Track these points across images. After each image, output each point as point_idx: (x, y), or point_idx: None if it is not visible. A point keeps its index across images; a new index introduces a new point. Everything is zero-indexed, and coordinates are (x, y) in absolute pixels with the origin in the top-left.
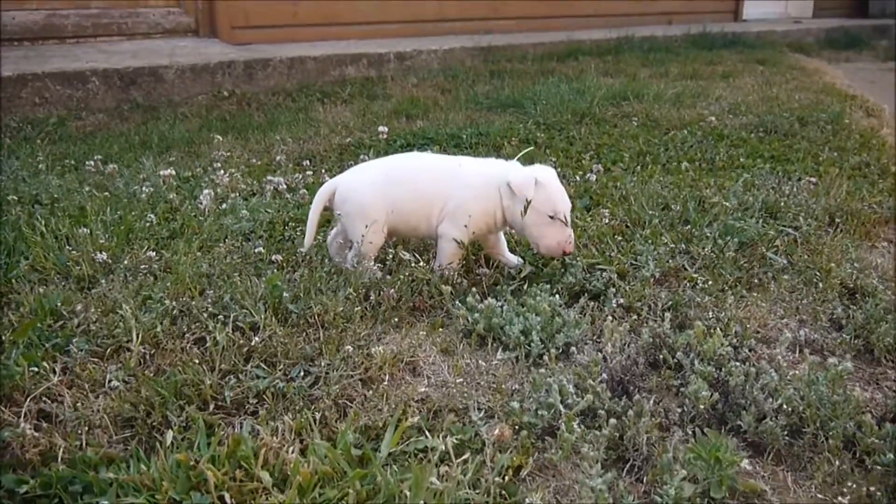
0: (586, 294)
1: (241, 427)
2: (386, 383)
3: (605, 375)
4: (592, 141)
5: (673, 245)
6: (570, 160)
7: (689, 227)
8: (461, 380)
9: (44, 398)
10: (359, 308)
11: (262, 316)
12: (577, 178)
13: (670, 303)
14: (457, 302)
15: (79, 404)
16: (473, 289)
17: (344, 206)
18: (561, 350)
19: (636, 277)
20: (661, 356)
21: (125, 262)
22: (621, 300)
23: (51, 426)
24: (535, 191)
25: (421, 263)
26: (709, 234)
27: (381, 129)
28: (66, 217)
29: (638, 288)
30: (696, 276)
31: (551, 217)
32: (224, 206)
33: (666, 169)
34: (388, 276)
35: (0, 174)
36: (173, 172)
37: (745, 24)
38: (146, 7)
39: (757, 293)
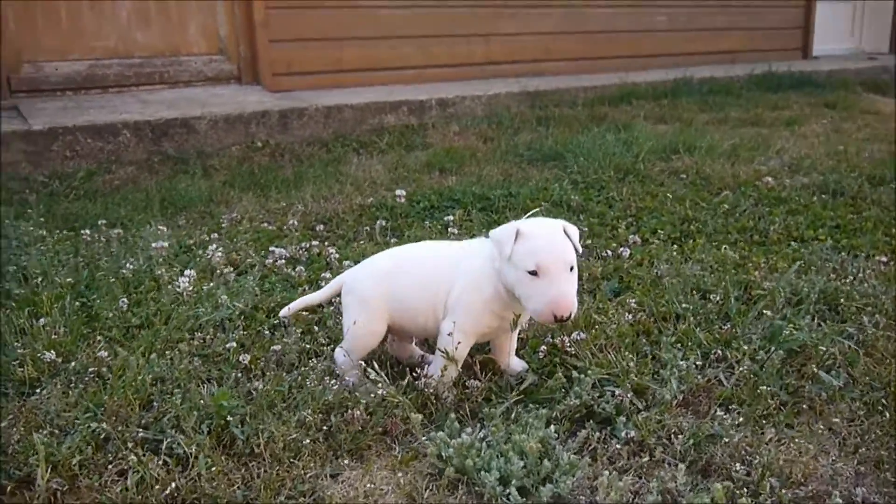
0: (592, 420)
1: None
2: None
3: None
4: (633, 204)
5: (707, 349)
6: (604, 228)
7: (729, 325)
8: None
9: None
10: (308, 440)
11: (198, 444)
12: (609, 252)
13: (692, 440)
14: (432, 432)
15: None
16: (452, 414)
17: (346, 297)
18: None
19: (656, 398)
20: None
21: (73, 363)
22: (632, 433)
23: None
24: (517, 243)
25: (389, 390)
26: (752, 335)
27: (398, 192)
28: (27, 304)
29: (656, 415)
30: (730, 393)
31: (533, 273)
32: (209, 286)
33: (712, 241)
34: (355, 394)
35: None
36: (166, 245)
37: (816, 61)
38: (188, 55)
39: (806, 422)
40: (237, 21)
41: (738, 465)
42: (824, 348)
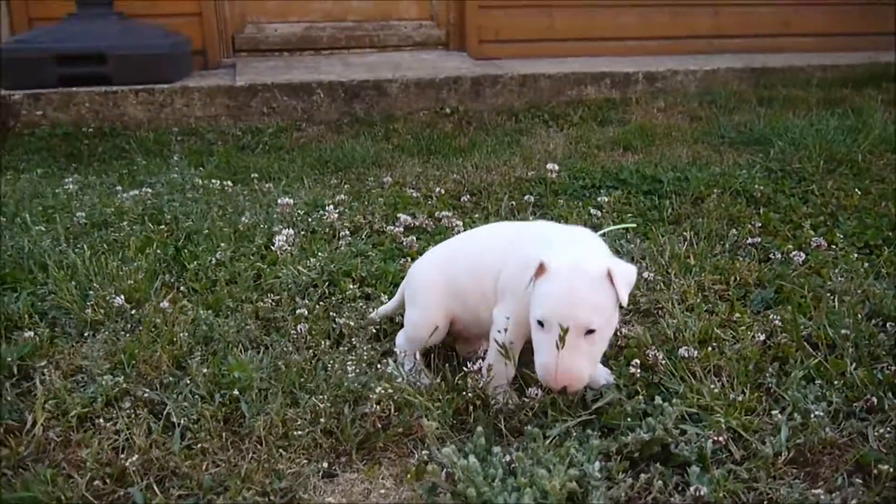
0: (663, 463)
1: None
2: None
3: None
4: (836, 200)
5: (858, 393)
6: (785, 225)
7: None
8: None
9: None
10: (304, 432)
11: (200, 415)
12: (779, 254)
13: None
14: (449, 446)
15: None
16: (480, 427)
17: (407, 287)
18: None
19: (759, 451)
20: None
21: (134, 311)
22: (703, 489)
23: None
24: (538, 281)
25: (402, 384)
26: None
27: (549, 166)
28: (121, 248)
29: (746, 471)
30: (872, 458)
31: (540, 324)
32: (310, 246)
33: None
34: (379, 388)
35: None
36: (291, 202)
37: None
38: (399, 20)
39: None
40: None
41: None
42: None
